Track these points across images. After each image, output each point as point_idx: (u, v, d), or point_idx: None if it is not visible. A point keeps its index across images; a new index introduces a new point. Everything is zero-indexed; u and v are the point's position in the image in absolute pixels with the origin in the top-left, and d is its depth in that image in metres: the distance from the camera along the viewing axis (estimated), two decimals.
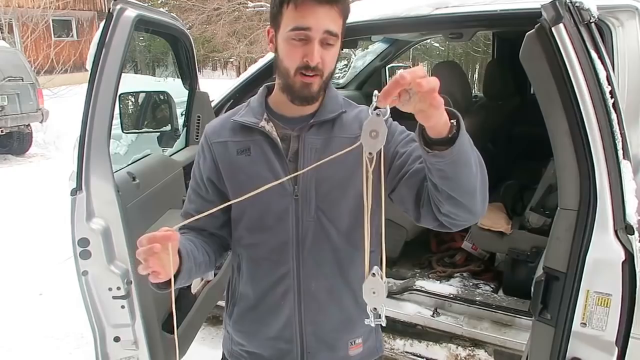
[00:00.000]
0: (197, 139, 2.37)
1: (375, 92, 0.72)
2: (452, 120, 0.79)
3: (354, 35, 2.34)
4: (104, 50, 1.39)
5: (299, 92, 0.98)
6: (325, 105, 1.05)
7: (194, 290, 2.04)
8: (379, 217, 1.09)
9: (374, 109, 0.73)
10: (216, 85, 4.88)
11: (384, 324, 0.87)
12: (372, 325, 0.86)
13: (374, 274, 0.83)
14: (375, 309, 0.84)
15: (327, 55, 0.96)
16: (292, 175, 0.98)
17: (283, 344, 1.11)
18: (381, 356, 1.22)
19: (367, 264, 0.83)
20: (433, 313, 2.22)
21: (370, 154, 0.74)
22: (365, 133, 0.74)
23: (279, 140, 1.04)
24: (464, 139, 0.80)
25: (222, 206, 0.92)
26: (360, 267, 1.10)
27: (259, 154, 1.04)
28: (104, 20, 1.40)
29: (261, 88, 1.12)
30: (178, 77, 2.40)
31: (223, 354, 1.24)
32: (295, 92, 0.99)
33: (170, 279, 0.92)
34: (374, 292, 0.83)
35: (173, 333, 1.77)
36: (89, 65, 1.40)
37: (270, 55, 2.44)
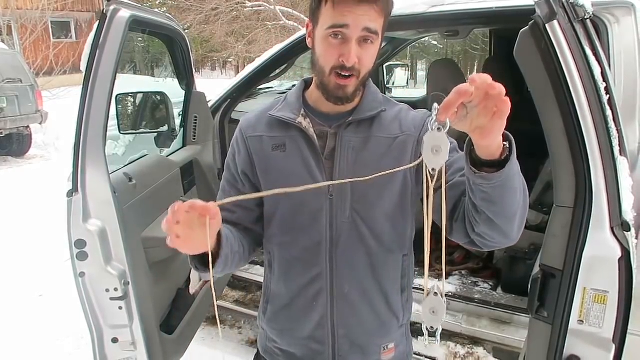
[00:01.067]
0: (194, 139, 2.37)
1: (435, 105, 0.70)
2: (504, 143, 0.76)
3: None
4: (98, 51, 1.39)
5: (333, 92, 0.97)
6: (365, 102, 1.02)
7: (192, 291, 2.04)
8: (411, 219, 1.07)
9: (434, 123, 0.70)
10: (215, 85, 4.88)
11: (438, 344, 0.85)
12: (427, 343, 0.84)
13: (435, 293, 0.81)
14: (433, 327, 0.82)
15: (364, 54, 0.93)
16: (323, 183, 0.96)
17: (315, 345, 1.10)
18: None
19: (426, 280, 0.81)
20: (432, 311, 2.22)
21: (433, 170, 0.72)
22: (427, 149, 0.71)
23: (315, 137, 1.01)
24: (514, 163, 0.77)
25: (254, 195, 0.90)
26: (393, 271, 1.07)
27: (295, 151, 1.02)
28: (98, 21, 1.40)
29: (299, 82, 1.10)
30: (175, 78, 2.39)
31: (257, 351, 1.24)
32: (330, 92, 0.97)
33: (208, 263, 0.86)
34: (433, 312, 0.81)
35: (171, 334, 1.78)
36: (83, 66, 1.40)
37: (267, 55, 2.44)
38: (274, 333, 1.15)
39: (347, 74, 0.94)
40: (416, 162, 0.76)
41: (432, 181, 0.73)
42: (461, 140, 0.84)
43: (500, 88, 0.67)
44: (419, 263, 2.98)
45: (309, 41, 1.00)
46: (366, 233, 1.03)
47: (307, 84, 1.09)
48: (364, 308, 1.07)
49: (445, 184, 0.93)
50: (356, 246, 1.03)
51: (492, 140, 0.73)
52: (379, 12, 0.92)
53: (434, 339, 0.83)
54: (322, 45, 0.94)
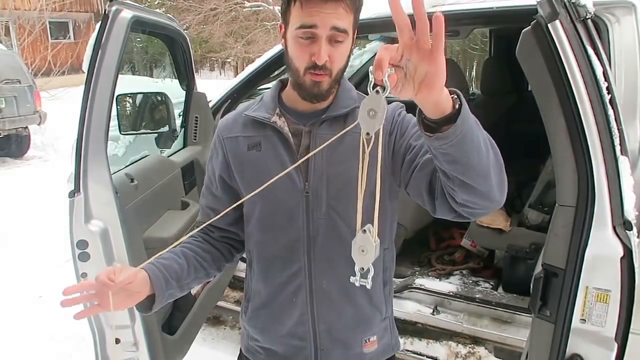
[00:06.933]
0: (195, 139, 2.37)
1: (371, 68, 0.68)
2: (452, 95, 0.75)
3: None
4: (100, 51, 1.39)
5: (309, 90, 0.98)
6: (338, 100, 1.04)
7: (193, 291, 2.04)
8: (390, 212, 1.07)
9: (373, 87, 0.68)
10: (214, 85, 4.88)
11: (368, 286, 0.83)
12: (357, 284, 0.82)
13: (364, 230, 0.78)
14: (362, 268, 0.80)
15: (335, 52, 0.94)
16: (298, 162, 0.96)
17: (297, 341, 1.11)
18: (393, 355, 1.22)
19: (359, 219, 0.79)
20: (433, 311, 2.22)
21: (367, 134, 0.70)
22: (363, 112, 0.69)
23: (290, 135, 1.03)
24: (467, 115, 0.75)
25: (231, 207, 0.93)
26: (374, 267, 1.09)
27: (270, 150, 1.04)
28: (100, 22, 1.40)
29: (275, 82, 1.11)
30: (175, 78, 2.39)
31: (240, 350, 1.24)
32: (306, 90, 0.98)
33: (151, 301, 1.00)
34: (362, 251, 0.79)
35: (173, 334, 1.78)
36: (85, 67, 1.40)
37: (267, 55, 2.45)
38: (255, 331, 1.16)
39: (320, 72, 0.95)
40: (351, 126, 0.75)
41: (367, 146, 0.71)
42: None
43: (422, 26, 0.65)
44: (419, 262, 2.98)
45: (282, 42, 1.01)
46: (343, 228, 1.03)
47: (283, 84, 1.10)
48: (344, 303, 1.08)
49: (416, 166, 0.95)
50: (334, 242, 1.04)
51: (439, 89, 0.70)
52: (346, 9, 0.93)
53: (366, 281, 0.81)
54: (294, 46, 0.95)
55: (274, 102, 1.06)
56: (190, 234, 1.03)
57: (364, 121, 0.70)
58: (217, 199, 1.13)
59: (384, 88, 0.68)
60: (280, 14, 1.00)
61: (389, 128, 1.03)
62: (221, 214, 0.94)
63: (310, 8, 0.91)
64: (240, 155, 1.06)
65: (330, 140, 0.83)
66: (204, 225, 1.09)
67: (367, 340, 1.12)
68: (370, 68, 0.68)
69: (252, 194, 0.87)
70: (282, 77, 1.13)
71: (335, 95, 1.04)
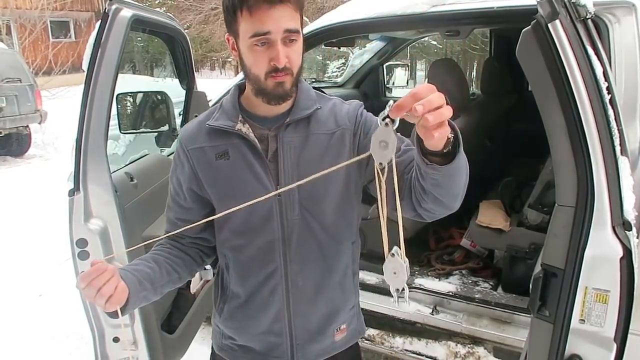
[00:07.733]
0: None
1: (391, 102, 0.71)
2: (450, 134, 0.79)
3: (351, 34, 2.34)
4: (99, 50, 1.39)
5: (274, 92, 0.98)
6: (299, 102, 1.05)
7: (193, 290, 2.04)
8: (357, 208, 1.12)
9: (383, 119, 0.72)
10: (215, 84, 4.88)
11: (408, 305, 0.85)
12: (397, 305, 0.86)
13: (393, 254, 0.81)
14: (398, 289, 0.83)
15: (292, 52, 0.96)
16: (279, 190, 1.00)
17: (273, 338, 1.13)
18: (356, 343, 1.26)
19: (385, 245, 0.81)
20: (432, 311, 2.22)
21: (380, 164, 0.74)
22: (375, 144, 0.73)
23: (257, 141, 1.04)
24: (462, 153, 0.82)
25: (206, 220, 0.98)
26: (344, 259, 1.12)
27: (239, 157, 1.05)
28: (100, 21, 1.40)
29: (232, 88, 1.11)
30: (176, 77, 2.39)
31: (212, 349, 1.27)
32: (270, 94, 0.99)
33: (120, 307, 0.97)
34: (394, 273, 0.81)
35: (172, 333, 1.78)
36: (85, 66, 1.40)
37: None
38: (231, 331, 1.18)
39: (281, 74, 0.96)
40: (364, 155, 0.78)
41: (382, 176, 0.75)
42: None
43: (435, 119, 0.70)
44: (418, 262, 2.97)
45: (234, 54, 1.02)
46: (316, 227, 1.06)
47: (240, 89, 1.10)
48: (319, 298, 1.11)
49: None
50: (308, 241, 1.07)
51: (437, 141, 0.77)
52: (294, 9, 0.94)
53: (403, 299, 0.84)
54: (251, 55, 0.96)
55: (236, 110, 1.06)
56: (158, 239, 1.06)
57: (375, 152, 0.74)
58: (187, 210, 1.13)
59: (393, 121, 0.71)
60: (226, 26, 0.99)
61: (352, 129, 1.06)
62: (193, 225, 0.99)
63: (260, 15, 0.91)
64: (209, 166, 1.07)
65: (343, 164, 0.86)
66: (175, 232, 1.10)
67: (338, 329, 1.17)
68: (391, 102, 0.71)
69: (228, 211, 0.91)
70: (239, 81, 1.12)
71: (295, 97, 1.05)
